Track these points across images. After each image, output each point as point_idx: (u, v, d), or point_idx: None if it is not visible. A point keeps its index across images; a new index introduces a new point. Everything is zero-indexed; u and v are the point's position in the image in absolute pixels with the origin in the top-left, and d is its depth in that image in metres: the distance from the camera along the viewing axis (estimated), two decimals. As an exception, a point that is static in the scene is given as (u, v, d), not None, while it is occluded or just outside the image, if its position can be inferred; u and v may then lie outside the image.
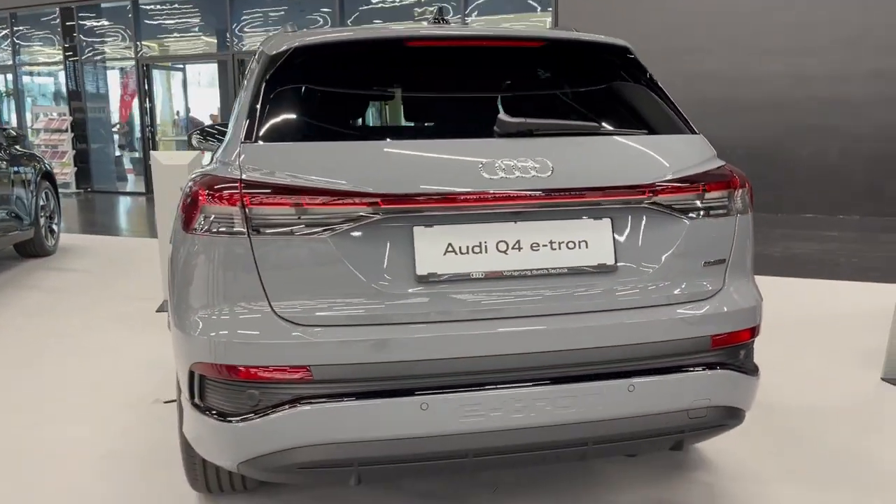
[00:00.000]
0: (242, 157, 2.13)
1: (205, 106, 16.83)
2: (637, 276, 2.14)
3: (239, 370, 2.02)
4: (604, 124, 2.28)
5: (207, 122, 16.51)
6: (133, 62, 14.65)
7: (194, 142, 4.51)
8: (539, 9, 11.66)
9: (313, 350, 1.98)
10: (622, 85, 2.51)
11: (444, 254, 2.04)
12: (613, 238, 2.13)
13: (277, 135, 2.21)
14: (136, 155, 15.93)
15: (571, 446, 2.09)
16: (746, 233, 2.30)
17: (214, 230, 2.06)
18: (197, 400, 2.15)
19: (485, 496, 2.69)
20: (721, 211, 2.24)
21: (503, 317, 2.05)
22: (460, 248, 2.05)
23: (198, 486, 2.61)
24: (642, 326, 2.11)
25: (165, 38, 14.76)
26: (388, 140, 2.16)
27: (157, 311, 5.42)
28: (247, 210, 2.01)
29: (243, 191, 2.03)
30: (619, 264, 2.12)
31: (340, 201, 1.99)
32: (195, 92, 16.81)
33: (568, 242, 2.09)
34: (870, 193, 9.88)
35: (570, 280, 2.09)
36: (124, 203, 14.02)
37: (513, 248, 2.07)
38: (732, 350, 2.25)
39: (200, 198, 2.10)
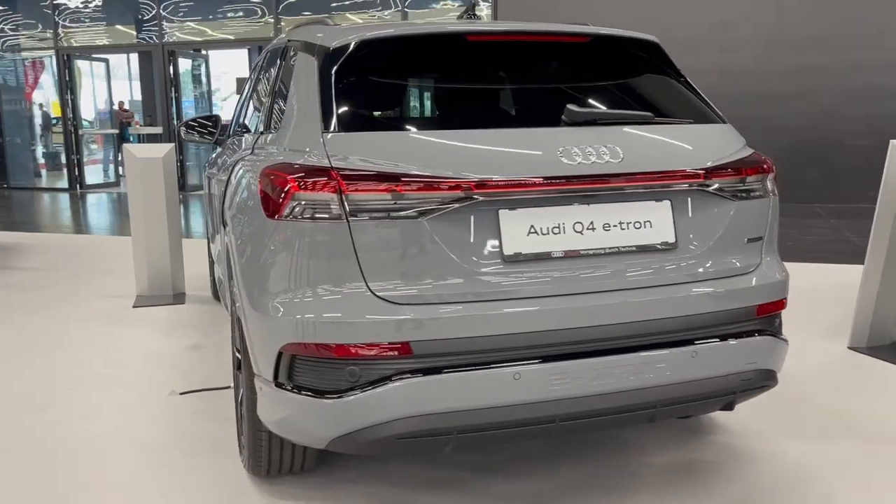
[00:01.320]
0: (327, 146, 2.22)
1: (127, 98, 16.32)
2: (693, 253, 2.35)
3: (339, 349, 2.12)
4: (653, 114, 2.48)
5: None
6: (52, 52, 14.06)
7: (182, 134, 4.53)
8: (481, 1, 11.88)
9: (413, 327, 2.10)
10: (657, 77, 2.71)
11: (528, 235, 2.20)
12: (673, 218, 2.33)
13: (357, 124, 2.32)
14: (48, 149, 15.29)
15: (643, 409, 2.29)
16: (776, 213, 2.56)
17: (308, 216, 2.15)
18: (284, 380, 2.24)
19: (527, 467, 2.86)
20: (758, 193, 2.48)
21: (582, 292, 2.22)
22: (541, 229, 2.21)
23: (259, 470, 2.67)
24: (701, 298, 2.33)
25: (87, 26, 14.22)
26: (467, 129, 2.30)
27: (134, 306, 5.33)
28: (345, 196, 2.11)
29: (341, 178, 2.12)
30: (678, 242, 2.33)
31: (434, 187, 2.12)
32: (119, 84, 16.26)
33: (635, 223, 2.29)
34: (791, 182, 10.55)
35: (637, 257, 2.29)
36: (49, 200, 13.46)
37: (587, 228, 2.24)
38: (770, 318, 2.50)
39: (290, 185, 2.18)
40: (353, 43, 2.45)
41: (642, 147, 2.34)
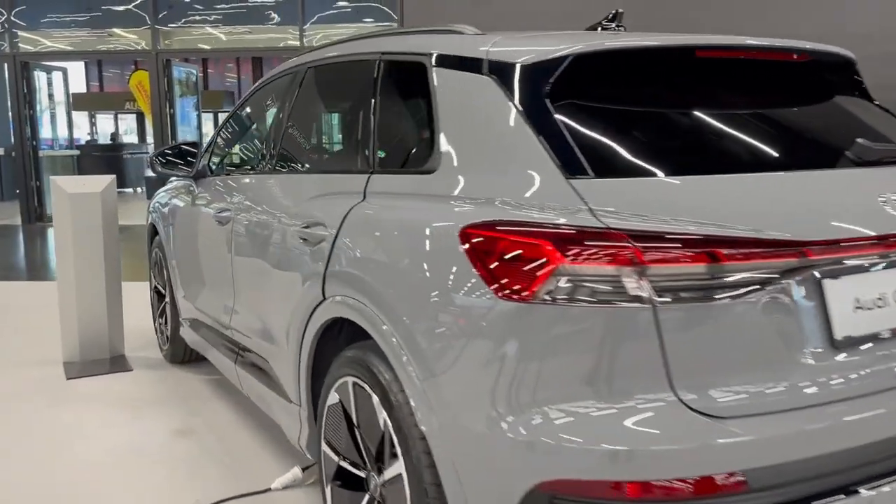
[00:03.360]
0: (586, 198, 1.60)
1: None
2: None
3: (642, 487, 1.49)
4: None
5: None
6: None
7: (156, 167, 3.66)
8: (374, 21, 11.27)
9: (746, 449, 1.52)
10: (856, 99, 2.29)
11: (854, 310, 1.67)
12: None
13: (611, 168, 1.71)
14: None
15: None
16: None
17: (584, 297, 1.52)
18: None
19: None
20: None
21: None
22: (865, 302, 1.69)
23: None
24: None
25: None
26: (754, 172, 1.75)
27: (70, 377, 4.27)
28: (645, 270, 1.50)
29: (634, 244, 1.51)
30: None
31: (761, 253, 1.55)
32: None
33: None
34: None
35: None
36: None
37: None
38: None
39: (551, 254, 1.53)
40: (568, 59, 1.83)
41: None
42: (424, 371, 1.77)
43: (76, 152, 13.50)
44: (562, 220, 1.58)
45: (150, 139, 22.95)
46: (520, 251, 1.58)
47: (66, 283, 4.44)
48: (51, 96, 12.91)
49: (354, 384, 2.11)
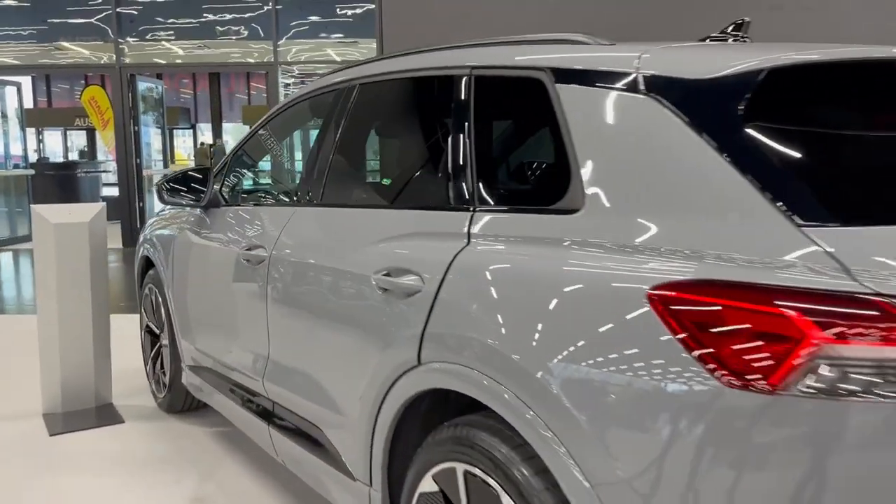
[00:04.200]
0: (834, 253, 1.24)
1: None
2: None
3: None
4: None
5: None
6: None
7: (165, 195, 3.20)
8: (344, 35, 10.89)
9: None
10: None
11: None
12: None
13: (853, 212, 1.34)
14: None
15: None
16: None
17: (854, 389, 1.15)
18: None
19: None
20: None
21: None
22: None
23: None
24: None
25: None
26: None
27: (53, 434, 3.74)
28: None
29: (928, 320, 1.14)
30: None
31: None
32: None
33: None
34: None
35: None
36: None
37: None
38: None
39: (804, 328, 1.17)
40: (761, 74, 1.47)
41: None
42: (599, 472, 1.37)
43: (31, 171, 12.72)
44: (816, 285, 1.21)
45: (100, 157, 22.10)
46: (760, 325, 1.20)
47: (48, 324, 3.91)
48: (3, 113, 12.16)
49: (466, 472, 1.71)
